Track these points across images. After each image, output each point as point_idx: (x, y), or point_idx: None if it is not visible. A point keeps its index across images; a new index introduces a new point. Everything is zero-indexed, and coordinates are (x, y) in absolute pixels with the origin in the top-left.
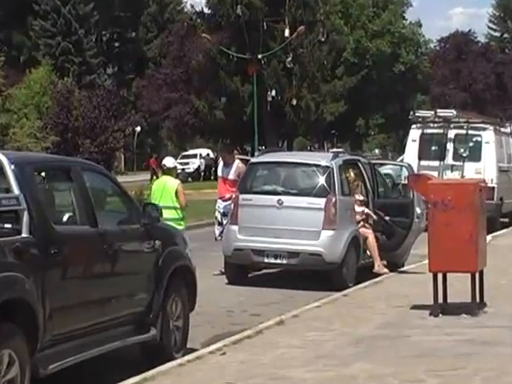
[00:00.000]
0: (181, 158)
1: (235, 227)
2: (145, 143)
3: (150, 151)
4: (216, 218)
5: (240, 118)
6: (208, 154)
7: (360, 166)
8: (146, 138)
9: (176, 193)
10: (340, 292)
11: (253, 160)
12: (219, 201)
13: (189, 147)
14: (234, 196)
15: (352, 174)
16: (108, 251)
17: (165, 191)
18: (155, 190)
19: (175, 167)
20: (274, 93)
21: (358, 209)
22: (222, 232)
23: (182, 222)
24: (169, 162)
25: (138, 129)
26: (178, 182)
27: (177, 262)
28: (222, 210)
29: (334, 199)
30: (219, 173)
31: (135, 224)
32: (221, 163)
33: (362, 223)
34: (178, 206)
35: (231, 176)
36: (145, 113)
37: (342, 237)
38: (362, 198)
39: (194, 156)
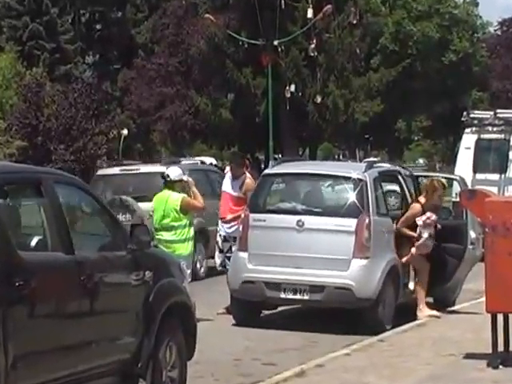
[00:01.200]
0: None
1: (244, 254)
2: (133, 149)
3: (139, 159)
4: (217, 243)
5: (251, 120)
6: (212, 164)
7: (400, 179)
8: (134, 144)
9: (180, 209)
10: (375, 336)
11: (267, 171)
12: (220, 222)
13: (187, 154)
14: (242, 215)
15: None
16: (86, 284)
17: (167, 207)
18: (156, 207)
19: (181, 180)
20: (293, 88)
21: (425, 231)
22: (223, 261)
23: (188, 245)
24: (173, 172)
25: (125, 132)
26: (182, 195)
27: (172, 297)
28: (222, 234)
29: (367, 220)
30: (224, 187)
31: (120, 250)
32: (227, 175)
33: (414, 250)
34: (183, 224)
35: (236, 192)
36: (133, 112)
37: (378, 267)
38: (433, 217)
39: (195, 165)
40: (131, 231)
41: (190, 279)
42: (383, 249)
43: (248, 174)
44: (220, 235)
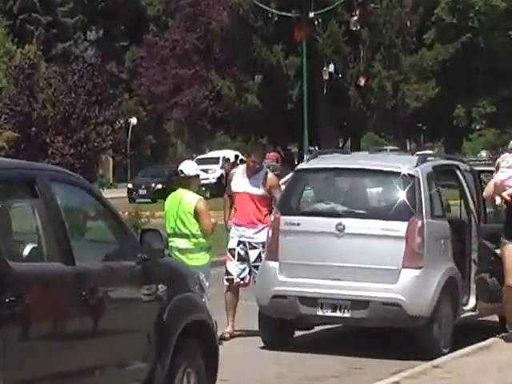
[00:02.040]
0: (196, 164)
1: (274, 264)
2: (143, 142)
3: (150, 153)
4: (231, 250)
5: (282, 106)
6: (237, 157)
7: (459, 174)
8: (144, 135)
9: (196, 213)
10: (429, 361)
11: (301, 166)
12: (235, 228)
13: (207, 148)
14: (272, 218)
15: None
16: (89, 300)
17: (180, 210)
18: (169, 210)
19: (198, 176)
20: (332, 68)
21: None
22: (242, 272)
23: (204, 255)
24: (188, 167)
25: (134, 121)
26: (198, 197)
27: (189, 315)
28: (244, 240)
29: (420, 223)
30: (238, 186)
31: (129, 260)
32: (238, 172)
33: None
34: (199, 232)
35: (260, 190)
36: (143, 98)
37: (433, 279)
38: None
39: (215, 161)
40: (141, 237)
41: (209, 292)
42: (439, 257)
43: (267, 169)
44: (239, 242)
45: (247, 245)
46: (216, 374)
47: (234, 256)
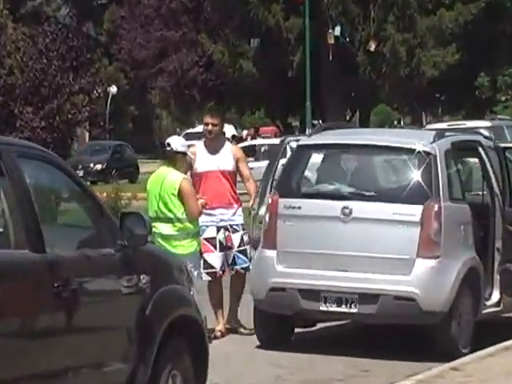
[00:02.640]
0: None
1: (272, 253)
2: (124, 114)
3: (132, 126)
4: (210, 240)
5: (282, 74)
6: (236, 135)
7: (481, 151)
8: (126, 106)
9: (180, 194)
10: (447, 363)
11: (303, 142)
12: (209, 213)
13: (197, 121)
14: (269, 200)
15: None
16: (61, 292)
17: (163, 191)
18: (151, 190)
19: (185, 154)
20: (338, 31)
21: None
22: (224, 262)
23: (191, 242)
24: (176, 142)
25: (114, 90)
26: (183, 176)
27: (175, 310)
28: (225, 224)
29: (437, 207)
30: (202, 166)
31: (108, 247)
32: (199, 148)
33: None
34: (185, 216)
35: (230, 166)
36: (124, 63)
37: (451, 269)
38: None
39: None
40: (121, 222)
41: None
42: (458, 245)
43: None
44: (218, 228)
45: (229, 229)
46: (205, 376)
47: (215, 246)
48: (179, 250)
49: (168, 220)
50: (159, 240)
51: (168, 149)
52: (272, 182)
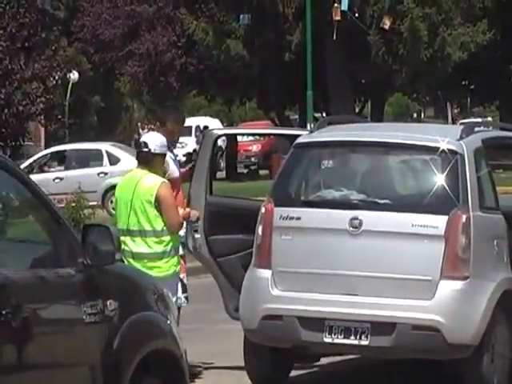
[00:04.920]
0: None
1: (266, 273)
2: (87, 105)
3: (97, 120)
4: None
5: (278, 56)
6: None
7: None
8: (89, 96)
9: (158, 201)
10: None
11: (303, 139)
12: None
13: None
14: (262, 210)
15: None
16: (10, 321)
17: (136, 198)
18: (120, 198)
19: (165, 156)
20: (346, 5)
21: None
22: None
23: (168, 261)
24: (153, 141)
25: (75, 76)
26: (161, 180)
27: (149, 343)
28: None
29: (465, 217)
30: (175, 171)
31: (66, 267)
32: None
33: None
34: (163, 230)
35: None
36: (87, 44)
37: (482, 293)
38: None
39: (186, 131)
40: (84, 236)
41: (176, 311)
42: (491, 264)
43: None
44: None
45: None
46: None
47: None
48: (155, 272)
49: (142, 234)
50: (130, 260)
51: (144, 150)
52: (210, 185)
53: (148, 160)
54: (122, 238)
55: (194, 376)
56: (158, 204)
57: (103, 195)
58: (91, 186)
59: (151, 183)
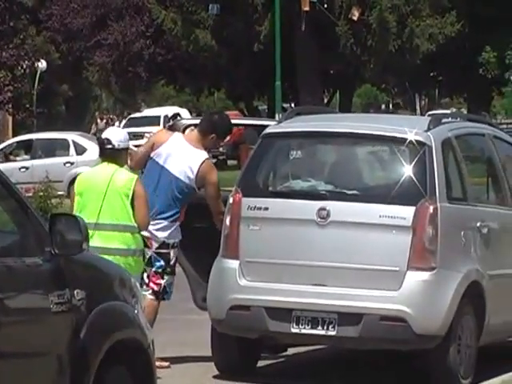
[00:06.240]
0: (127, 126)
1: (233, 264)
2: (56, 94)
3: (66, 109)
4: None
5: (247, 47)
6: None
7: (487, 142)
8: (57, 85)
9: (133, 197)
10: None
11: (270, 129)
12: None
13: (143, 104)
14: (230, 200)
15: None
16: None
17: (113, 191)
18: (89, 189)
19: (128, 149)
20: None
21: None
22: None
23: (139, 259)
24: (115, 137)
25: (43, 65)
26: (136, 176)
27: (116, 332)
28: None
29: (432, 208)
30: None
31: (33, 255)
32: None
33: None
34: (135, 226)
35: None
36: (56, 33)
37: (449, 284)
38: None
39: (155, 121)
40: (51, 225)
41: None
42: (458, 255)
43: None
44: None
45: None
46: None
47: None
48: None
49: (115, 228)
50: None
51: (108, 147)
52: None
53: (114, 156)
54: (91, 233)
55: (161, 366)
56: (132, 199)
57: (69, 185)
58: (57, 175)
59: (128, 177)
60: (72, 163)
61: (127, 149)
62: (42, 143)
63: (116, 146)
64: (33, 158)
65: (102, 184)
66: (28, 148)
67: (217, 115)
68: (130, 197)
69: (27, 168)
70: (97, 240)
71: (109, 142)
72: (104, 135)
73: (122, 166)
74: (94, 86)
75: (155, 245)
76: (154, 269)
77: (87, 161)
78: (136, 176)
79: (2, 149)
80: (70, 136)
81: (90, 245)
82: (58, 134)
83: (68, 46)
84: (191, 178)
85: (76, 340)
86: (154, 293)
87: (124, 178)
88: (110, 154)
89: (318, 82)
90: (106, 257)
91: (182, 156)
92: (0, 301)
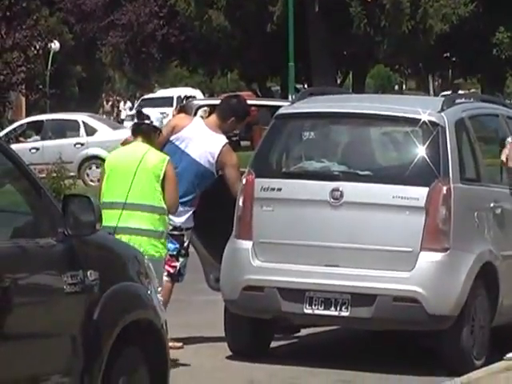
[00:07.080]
0: (140, 107)
1: (247, 244)
2: (69, 75)
3: (79, 90)
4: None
5: (260, 27)
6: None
7: (501, 123)
8: (70, 66)
9: (164, 179)
10: (457, 377)
11: (283, 110)
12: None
13: (157, 85)
14: (243, 181)
15: None
16: None
17: (144, 171)
18: (118, 167)
19: (160, 131)
20: None
21: None
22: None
23: (162, 240)
24: (154, 115)
25: (56, 46)
26: (167, 158)
27: (130, 313)
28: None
29: (445, 189)
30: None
31: (46, 236)
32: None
33: None
34: (164, 208)
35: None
36: (69, 14)
37: (462, 265)
38: None
39: (168, 102)
40: (64, 206)
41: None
42: (471, 236)
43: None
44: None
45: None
46: None
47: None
48: (152, 252)
49: (143, 209)
50: (125, 236)
51: (147, 122)
52: None
53: (149, 133)
54: (112, 212)
55: (174, 347)
56: (163, 181)
57: (79, 166)
58: (68, 156)
59: (160, 158)
60: (82, 144)
61: (160, 131)
62: (52, 124)
63: (154, 122)
64: (43, 138)
65: (133, 163)
66: (39, 129)
67: (235, 99)
68: (161, 178)
69: (37, 149)
70: (124, 220)
71: (148, 117)
72: (143, 111)
73: (152, 145)
74: (108, 67)
75: (169, 227)
76: (169, 252)
77: (97, 142)
78: (168, 157)
79: (13, 129)
80: (81, 117)
81: (119, 225)
82: (68, 115)
83: (81, 26)
84: (211, 162)
85: (89, 320)
86: (170, 275)
87: (156, 158)
88: (146, 129)
89: (331, 62)
90: (133, 237)
91: (203, 141)
92: (14, 281)
